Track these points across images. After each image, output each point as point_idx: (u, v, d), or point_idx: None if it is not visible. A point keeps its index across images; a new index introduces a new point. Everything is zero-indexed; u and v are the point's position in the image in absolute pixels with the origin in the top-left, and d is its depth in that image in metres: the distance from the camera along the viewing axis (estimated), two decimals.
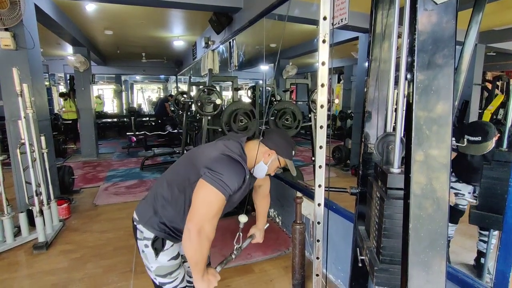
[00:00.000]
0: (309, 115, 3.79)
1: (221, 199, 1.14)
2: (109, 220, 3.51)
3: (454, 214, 2.27)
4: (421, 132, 0.78)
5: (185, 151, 4.56)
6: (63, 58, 8.99)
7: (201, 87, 3.78)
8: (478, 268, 2.22)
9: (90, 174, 5.47)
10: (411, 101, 0.79)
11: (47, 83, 9.48)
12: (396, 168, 1.01)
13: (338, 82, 8.58)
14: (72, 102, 7.78)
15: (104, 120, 10.20)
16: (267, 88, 4.95)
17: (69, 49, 6.82)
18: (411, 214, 0.79)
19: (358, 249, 1.30)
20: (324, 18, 1.01)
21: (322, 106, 1.07)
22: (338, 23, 2.16)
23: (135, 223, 1.34)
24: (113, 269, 2.50)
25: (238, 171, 1.19)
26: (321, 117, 1.08)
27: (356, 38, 5.24)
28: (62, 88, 12.21)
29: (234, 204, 1.33)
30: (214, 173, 1.14)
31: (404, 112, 0.99)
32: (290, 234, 2.97)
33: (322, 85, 1.05)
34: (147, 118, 10.43)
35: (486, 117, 4.40)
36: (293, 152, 1.31)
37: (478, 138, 1.81)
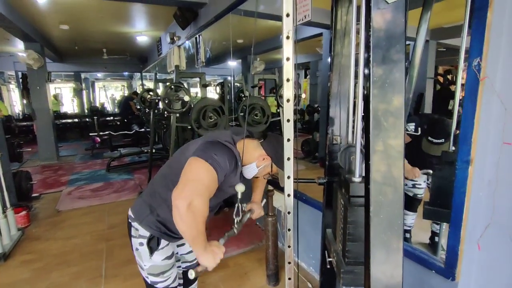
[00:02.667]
0: (278, 110, 3.86)
1: (212, 174, 1.11)
2: (74, 225, 3.34)
3: (413, 202, 2.44)
4: (379, 124, 0.84)
5: (153, 150, 4.44)
6: (13, 54, 8.29)
7: (168, 84, 3.69)
8: (432, 246, 2.43)
9: (50, 179, 5.14)
10: (368, 94, 0.84)
11: None
12: (357, 177, 1.06)
13: (305, 77, 8.77)
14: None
15: (64, 120, 9.57)
16: (235, 84, 4.95)
17: (20, 45, 6.32)
18: (372, 199, 0.85)
19: (326, 251, 1.37)
20: (287, 15, 1.04)
21: (288, 100, 1.10)
22: (302, 20, 2.22)
23: (130, 220, 1.32)
24: (81, 276, 2.39)
25: (229, 154, 1.19)
26: (288, 111, 1.12)
27: (321, 34, 5.39)
28: (13, 87, 11.26)
29: (225, 194, 1.31)
30: (204, 151, 1.13)
31: (361, 114, 1.05)
32: (262, 227, 3.02)
33: (288, 80, 1.09)
34: (111, 118, 9.96)
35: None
36: None
37: (441, 140, 1.93)
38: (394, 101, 0.84)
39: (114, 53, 8.32)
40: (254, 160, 1.30)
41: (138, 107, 8.22)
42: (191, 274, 1.09)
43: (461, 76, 1.50)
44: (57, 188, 4.63)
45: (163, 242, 1.31)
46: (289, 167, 1.16)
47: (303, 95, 3.73)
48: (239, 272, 2.38)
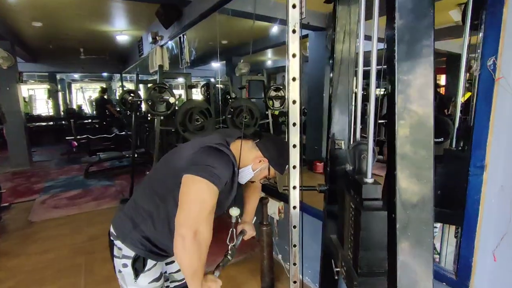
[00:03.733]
0: (266, 113, 3.75)
1: (214, 192, 1.00)
2: (49, 238, 3.07)
3: None
4: (405, 130, 0.74)
5: (135, 155, 4.21)
6: None
7: (150, 85, 3.50)
8: None
9: (22, 186, 4.78)
10: (393, 94, 0.74)
11: None
12: (369, 178, 0.96)
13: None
14: None
15: (37, 124, 9.04)
16: (221, 85, 4.81)
17: None
18: (398, 216, 0.75)
19: (331, 260, 1.25)
20: (293, 6, 0.93)
21: (294, 102, 0.99)
22: None
23: (112, 238, 1.16)
24: None
25: (226, 160, 1.06)
26: (293, 114, 1.00)
27: (306, 36, 5.35)
28: None
29: (222, 208, 1.19)
30: (200, 165, 1.00)
31: (373, 112, 0.95)
32: (256, 237, 2.90)
33: (294, 79, 0.97)
34: (89, 120, 9.51)
35: None
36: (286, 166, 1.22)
37: (441, 139, 1.88)
38: (422, 102, 0.74)
39: (92, 52, 7.94)
40: (250, 162, 1.18)
41: (118, 109, 7.89)
42: None
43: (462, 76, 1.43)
44: (30, 196, 4.30)
45: (150, 262, 1.16)
46: (295, 176, 1.04)
47: None
48: (231, 285, 2.23)
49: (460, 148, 1.53)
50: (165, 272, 1.38)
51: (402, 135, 0.74)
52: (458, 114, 1.55)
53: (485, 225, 1.18)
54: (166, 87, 3.02)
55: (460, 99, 1.57)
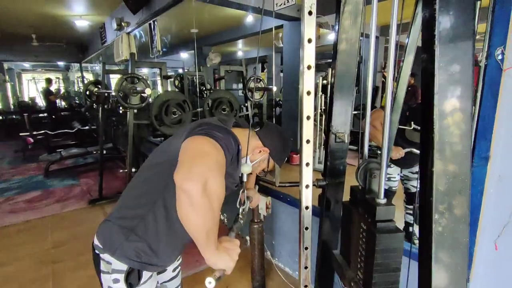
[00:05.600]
0: (246, 105, 3.63)
1: (220, 152, 0.84)
2: (5, 248, 2.73)
3: (388, 195, 2.46)
4: (444, 133, 0.68)
5: (104, 151, 3.89)
6: None
7: (119, 75, 3.21)
8: (407, 235, 2.50)
9: None
10: (430, 87, 0.67)
11: None
12: (382, 199, 0.90)
13: (262, 70, 8.65)
14: None
15: None
16: (193, 76, 4.57)
17: None
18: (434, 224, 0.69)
19: (338, 277, 1.19)
20: None
21: (309, 93, 0.89)
22: (284, 4, 2.03)
23: (97, 251, 0.99)
24: None
25: (230, 136, 0.92)
26: (308, 106, 0.91)
27: (281, 27, 5.26)
28: None
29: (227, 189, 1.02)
30: (202, 130, 0.87)
31: (388, 129, 0.87)
32: (242, 233, 2.80)
33: (309, 67, 0.88)
34: (45, 114, 8.69)
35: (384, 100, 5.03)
36: (286, 158, 1.12)
37: None
38: (461, 97, 0.68)
39: (46, 39, 7.20)
40: (249, 153, 1.07)
41: (64, 103, 7.25)
42: (210, 283, 0.83)
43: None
44: None
45: (146, 274, 1.02)
46: (308, 174, 0.95)
47: (274, 88, 3.55)
48: (220, 285, 2.13)
49: None
50: (157, 283, 1.24)
51: (442, 130, 0.68)
52: None
53: (486, 216, 1.19)
54: (140, 77, 2.77)
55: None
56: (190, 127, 0.96)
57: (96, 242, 1.02)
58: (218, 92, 3.26)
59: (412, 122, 2.10)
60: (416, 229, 2.31)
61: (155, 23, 3.99)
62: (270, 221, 2.38)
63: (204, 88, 4.39)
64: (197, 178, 0.74)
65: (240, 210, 1.14)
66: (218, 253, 0.85)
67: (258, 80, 3.34)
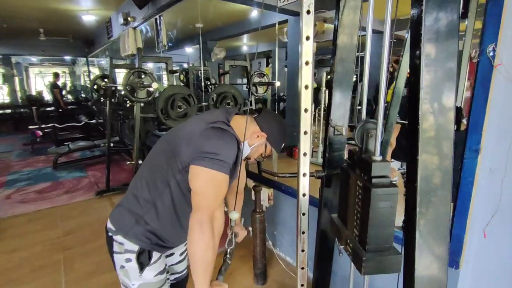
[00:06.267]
0: (250, 99, 3.69)
1: (225, 180, 0.99)
2: (18, 235, 2.85)
3: None
4: (429, 124, 0.74)
5: (111, 144, 3.99)
6: None
7: (125, 70, 3.28)
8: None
9: None
10: (417, 77, 0.73)
11: None
12: (378, 156, 0.97)
13: (267, 65, 8.66)
14: None
15: None
16: (198, 71, 4.63)
17: None
18: (419, 198, 0.76)
19: (336, 239, 1.26)
20: None
21: (306, 87, 0.96)
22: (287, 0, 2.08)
23: (110, 233, 1.08)
24: None
25: (231, 140, 1.01)
26: (306, 99, 0.97)
27: (285, 21, 5.28)
28: None
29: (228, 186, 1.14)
30: (207, 154, 0.95)
31: (384, 92, 0.95)
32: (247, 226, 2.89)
33: (307, 63, 0.94)
34: (53, 108, 8.84)
35: (389, 95, 5.04)
36: (283, 145, 1.18)
37: None
38: (445, 92, 0.74)
39: (53, 34, 7.29)
40: (247, 138, 1.13)
41: (70, 96, 7.36)
42: None
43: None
44: None
45: (155, 255, 1.11)
46: (305, 163, 1.02)
47: (278, 83, 3.60)
48: None
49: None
50: (166, 265, 1.33)
51: (426, 117, 0.74)
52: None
53: (476, 205, 1.25)
54: (146, 72, 2.84)
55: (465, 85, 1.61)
56: (200, 133, 1.01)
57: (109, 225, 1.10)
58: (223, 86, 3.31)
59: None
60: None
61: (161, 18, 4.05)
62: (272, 212, 2.45)
63: (209, 83, 4.45)
64: (208, 209, 0.96)
65: (228, 251, 1.22)
66: None
67: (262, 75, 3.39)
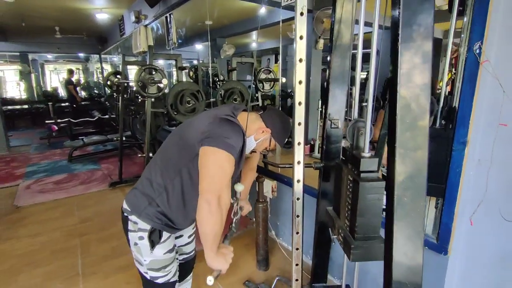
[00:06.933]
0: (256, 95, 3.78)
1: (232, 161, 1.08)
2: (38, 222, 3.05)
3: None
4: (407, 105, 0.82)
5: (123, 138, 4.16)
6: None
7: (141, 66, 3.42)
8: None
9: (2, 172, 4.63)
10: (394, 75, 0.82)
11: None
12: (367, 153, 1.05)
13: (276, 62, 8.72)
14: None
15: (11, 107, 8.61)
16: (207, 68, 4.75)
17: None
18: (396, 183, 0.85)
19: (330, 229, 1.36)
20: None
21: (300, 82, 1.05)
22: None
23: (125, 214, 1.21)
24: (55, 276, 2.20)
25: (238, 130, 1.12)
26: (300, 94, 1.07)
27: (292, 18, 5.33)
28: None
29: (235, 175, 1.25)
30: (216, 137, 1.06)
31: (372, 93, 1.03)
32: (249, 216, 3.01)
33: (300, 60, 1.03)
34: (67, 104, 9.14)
35: None
36: (286, 140, 1.29)
37: None
38: (420, 77, 0.82)
39: (68, 32, 7.54)
40: (253, 133, 1.25)
41: (83, 92, 7.56)
42: (210, 281, 1.05)
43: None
44: (12, 182, 4.18)
45: (165, 235, 1.23)
46: (299, 152, 1.12)
47: (283, 79, 3.69)
48: None
49: (443, 127, 1.66)
50: (175, 245, 1.45)
51: (402, 112, 0.83)
52: (443, 95, 1.67)
53: (464, 195, 1.32)
54: (157, 68, 2.97)
55: (445, 82, 1.68)
56: (209, 122, 1.13)
57: (125, 206, 1.23)
58: (230, 83, 3.42)
59: None
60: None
61: (171, 16, 4.17)
62: (275, 203, 2.56)
63: (217, 79, 4.57)
64: (214, 191, 1.03)
65: (234, 220, 1.34)
66: (216, 256, 1.08)
67: (268, 72, 3.47)
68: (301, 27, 1.00)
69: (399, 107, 0.82)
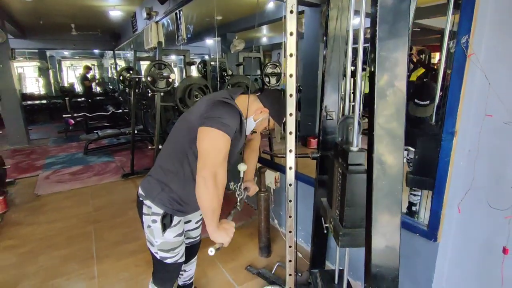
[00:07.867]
0: (257, 88, 3.85)
1: (227, 140, 1.14)
2: (56, 209, 3.25)
3: None
4: (383, 96, 0.89)
5: (135, 132, 4.32)
6: None
7: (151, 61, 3.55)
8: (410, 214, 2.65)
9: (24, 163, 4.89)
10: (373, 70, 0.88)
11: None
12: (355, 147, 1.12)
13: (284, 56, 8.76)
14: None
15: (30, 102, 8.98)
16: (217, 62, 4.84)
17: None
18: (375, 168, 0.92)
19: (322, 218, 1.44)
20: None
21: (291, 75, 1.13)
22: None
23: (141, 198, 1.32)
24: (72, 258, 2.37)
25: (233, 111, 1.20)
26: (290, 86, 1.14)
27: (302, 12, 5.34)
28: None
29: (234, 155, 1.33)
30: (212, 117, 1.14)
31: (360, 89, 1.10)
32: (251, 204, 3.11)
33: (291, 55, 1.11)
34: (83, 99, 9.46)
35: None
36: (284, 119, 1.36)
37: (427, 102, 2.04)
38: (396, 74, 0.88)
39: (83, 29, 7.78)
40: (252, 113, 1.30)
41: (98, 88, 7.71)
42: (211, 251, 1.14)
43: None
44: (33, 172, 4.43)
45: (176, 219, 1.33)
46: (291, 141, 1.20)
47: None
48: (232, 246, 2.44)
49: (437, 123, 1.69)
50: (183, 230, 1.56)
51: (380, 106, 0.89)
52: (438, 92, 1.71)
53: (453, 183, 1.37)
54: (166, 63, 3.09)
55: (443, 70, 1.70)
56: (206, 105, 1.21)
57: (140, 191, 1.34)
58: (237, 77, 3.51)
59: (415, 99, 2.21)
60: (421, 211, 2.46)
61: (181, 12, 4.27)
62: (278, 193, 2.65)
63: (226, 74, 4.66)
64: (210, 169, 1.10)
65: (238, 199, 1.42)
66: (218, 230, 1.18)
67: (275, 66, 3.54)
68: (291, 24, 1.07)
69: (376, 93, 0.89)
